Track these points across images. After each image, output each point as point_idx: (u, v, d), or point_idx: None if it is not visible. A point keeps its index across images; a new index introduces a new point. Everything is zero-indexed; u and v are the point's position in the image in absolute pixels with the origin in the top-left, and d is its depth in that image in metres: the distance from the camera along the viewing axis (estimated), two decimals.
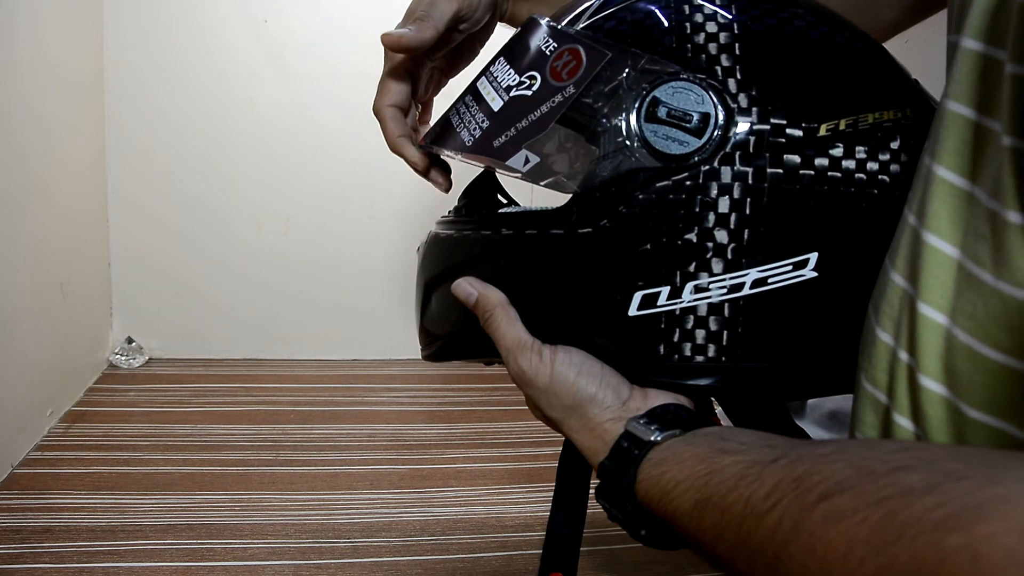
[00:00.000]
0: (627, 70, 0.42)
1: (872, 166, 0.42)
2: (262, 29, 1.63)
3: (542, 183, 0.45)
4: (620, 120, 0.42)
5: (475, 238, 0.50)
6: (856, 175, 0.42)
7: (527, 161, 0.45)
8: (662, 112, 0.42)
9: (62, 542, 1.05)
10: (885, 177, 0.42)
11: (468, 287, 0.48)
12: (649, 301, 0.43)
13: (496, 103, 0.46)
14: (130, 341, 1.74)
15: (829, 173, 0.42)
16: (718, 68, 0.42)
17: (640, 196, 0.42)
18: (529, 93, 0.45)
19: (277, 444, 1.39)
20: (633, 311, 0.43)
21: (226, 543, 1.08)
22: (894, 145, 0.42)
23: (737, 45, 0.42)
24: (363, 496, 1.23)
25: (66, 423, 1.41)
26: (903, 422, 0.36)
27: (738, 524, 0.31)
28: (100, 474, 1.24)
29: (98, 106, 1.61)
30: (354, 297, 1.78)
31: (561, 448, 0.53)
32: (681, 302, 0.43)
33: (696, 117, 0.41)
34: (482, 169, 0.52)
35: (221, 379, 1.66)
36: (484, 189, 0.58)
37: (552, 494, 0.53)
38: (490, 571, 1.07)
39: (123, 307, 1.72)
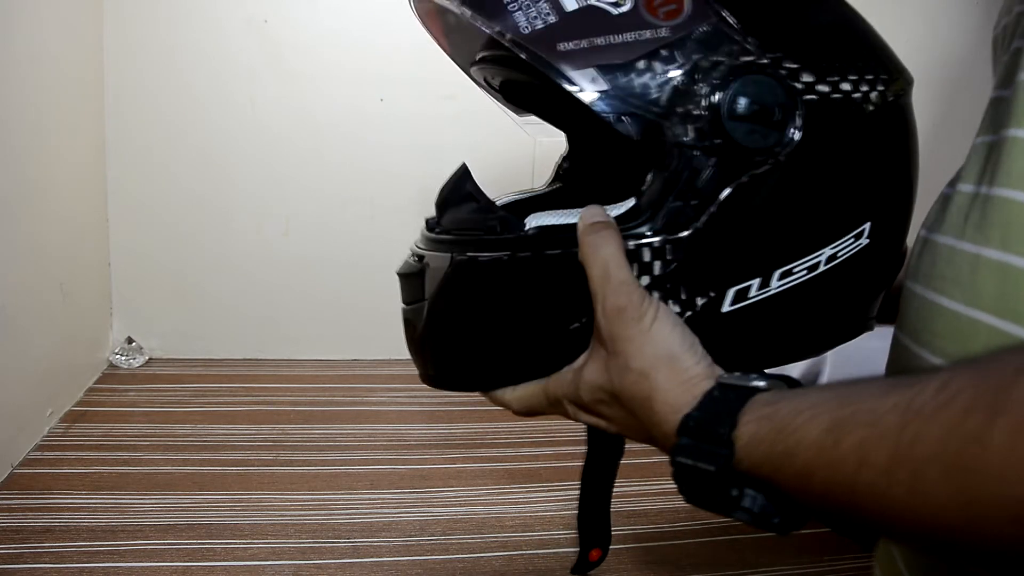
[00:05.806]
0: (694, 59, 0.41)
1: (903, 136, 0.46)
2: (262, 29, 1.63)
3: (603, 113, 0.41)
4: (701, 111, 0.41)
5: (526, 260, 0.44)
6: (896, 145, 0.46)
7: (594, 81, 0.40)
8: (744, 106, 0.41)
9: (62, 542, 1.05)
10: (914, 143, 0.47)
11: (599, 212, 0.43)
12: (742, 295, 0.44)
13: (569, 3, 0.41)
14: (130, 341, 1.73)
15: (878, 146, 0.45)
16: (780, 54, 0.42)
17: (726, 194, 0.42)
18: (613, 12, 0.41)
19: (277, 444, 1.39)
20: (727, 307, 0.44)
21: (226, 543, 1.08)
22: (911, 116, 0.47)
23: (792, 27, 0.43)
24: (363, 496, 1.23)
25: (66, 423, 1.41)
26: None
27: (897, 433, 0.27)
28: (100, 474, 1.24)
29: (98, 106, 1.61)
30: (354, 297, 1.78)
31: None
32: (770, 290, 0.44)
33: (777, 110, 0.41)
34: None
35: (221, 379, 1.66)
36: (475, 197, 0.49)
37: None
38: (490, 571, 1.07)
39: (123, 307, 1.72)
